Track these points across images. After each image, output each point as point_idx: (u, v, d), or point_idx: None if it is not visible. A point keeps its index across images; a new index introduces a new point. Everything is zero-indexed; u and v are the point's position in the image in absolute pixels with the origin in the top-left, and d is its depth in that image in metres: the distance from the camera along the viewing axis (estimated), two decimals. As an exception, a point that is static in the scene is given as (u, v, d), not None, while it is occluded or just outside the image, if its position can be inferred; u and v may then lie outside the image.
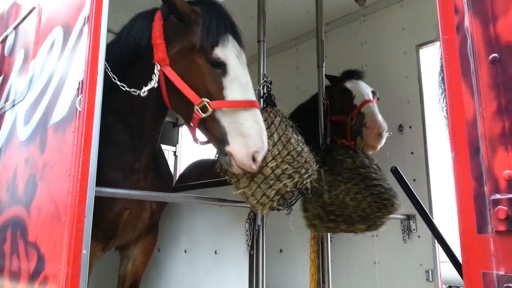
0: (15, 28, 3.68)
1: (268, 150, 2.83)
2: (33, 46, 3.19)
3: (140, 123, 3.15)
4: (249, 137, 2.60)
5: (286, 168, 2.90)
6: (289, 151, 2.97)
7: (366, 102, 4.21)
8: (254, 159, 2.62)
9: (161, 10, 2.96)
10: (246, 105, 2.64)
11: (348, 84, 4.41)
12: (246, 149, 2.60)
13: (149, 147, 3.27)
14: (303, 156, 2.98)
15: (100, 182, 2.32)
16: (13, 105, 3.29)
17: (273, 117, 3.11)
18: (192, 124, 2.75)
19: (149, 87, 2.74)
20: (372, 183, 3.66)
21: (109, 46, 2.97)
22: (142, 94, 2.73)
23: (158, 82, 2.80)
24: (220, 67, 2.71)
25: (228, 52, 2.72)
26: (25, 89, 3.12)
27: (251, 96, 2.72)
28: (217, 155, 2.87)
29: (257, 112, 2.67)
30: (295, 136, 3.10)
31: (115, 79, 2.73)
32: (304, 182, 2.96)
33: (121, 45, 3.03)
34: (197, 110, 2.67)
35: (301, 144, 3.09)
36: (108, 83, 2.70)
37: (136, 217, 3.33)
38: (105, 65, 2.51)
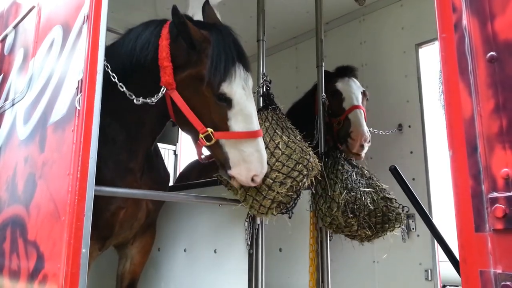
0: (15, 27, 3.68)
1: None
2: (33, 45, 3.19)
3: (139, 127, 3.16)
4: (249, 163, 2.76)
5: (276, 176, 2.92)
6: (277, 158, 2.99)
7: (354, 108, 4.24)
8: (253, 180, 2.80)
9: (169, 28, 2.90)
10: (248, 136, 2.77)
11: (339, 85, 4.41)
12: (247, 173, 2.78)
13: (146, 148, 3.28)
14: (293, 159, 2.98)
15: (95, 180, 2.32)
16: (13, 104, 3.29)
17: (261, 123, 3.13)
18: (196, 147, 2.92)
19: (147, 100, 2.78)
20: (388, 196, 3.76)
21: (112, 50, 2.98)
22: (136, 102, 2.76)
23: (164, 101, 2.88)
24: (226, 101, 2.78)
25: (235, 87, 2.78)
26: (24, 88, 3.13)
27: (255, 126, 2.82)
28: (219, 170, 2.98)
29: (259, 141, 2.80)
30: (284, 138, 3.11)
31: (114, 78, 2.74)
32: (301, 183, 2.96)
33: (124, 57, 2.98)
34: (201, 138, 2.78)
35: (291, 144, 3.08)
36: (109, 83, 2.72)
37: (132, 216, 3.32)
38: (105, 65, 2.51)
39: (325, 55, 4.37)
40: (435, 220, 3.13)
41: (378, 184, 3.85)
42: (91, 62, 2.36)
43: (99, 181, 2.42)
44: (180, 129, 3.18)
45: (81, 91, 2.33)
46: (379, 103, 4.92)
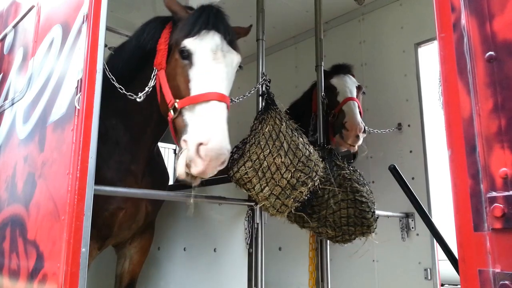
0: (14, 26, 3.68)
1: (282, 161, 2.90)
2: (32, 44, 3.19)
3: (142, 129, 3.17)
4: (198, 129, 2.46)
5: (300, 176, 2.96)
6: (299, 158, 3.01)
7: (347, 100, 4.28)
8: (198, 153, 2.41)
9: (173, 21, 2.97)
10: (204, 98, 2.52)
11: (334, 80, 4.45)
12: (193, 140, 2.44)
13: (148, 151, 3.30)
14: (312, 160, 3.03)
15: (96, 180, 2.33)
16: (12, 104, 3.29)
17: (279, 124, 3.13)
18: (172, 136, 2.72)
19: (144, 92, 2.76)
20: (360, 199, 3.62)
21: (122, 46, 3.00)
22: (138, 99, 2.75)
23: (155, 88, 2.82)
24: (188, 58, 2.66)
25: (199, 42, 2.64)
26: (24, 88, 3.13)
27: (215, 87, 2.56)
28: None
29: (214, 104, 2.51)
30: (301, 140, 3.13)
31: (113, 80, 2.75)
32: (316, 183, 3.02)
33: (132, 45, 3.09)
34: (170, 112, 2.65)
35: (307, 146, 3.12)
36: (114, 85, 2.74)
37: (131, 217, 3.33)
38: (104, 66, 2.51)
39: (325, 54, 4.38)
40: (435, 219, 3.13)
41: (356, 185, 3.68)
42: (90, 61, 2.36)
43: (100, 181, 2.43)
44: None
45: (80, 91, 2.33)
46: (379, 102, 4.93)
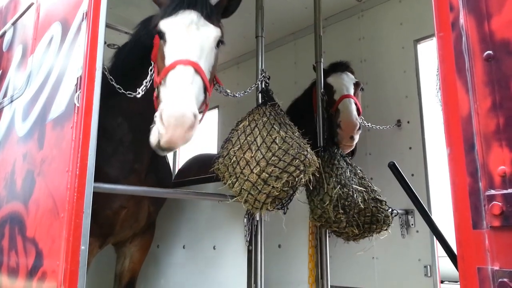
0: (14, 23, 3.68)
1: (251, 156, 2.89)
2: (32, 41, 3.19)
3: (146, 129, 3.17)
4: (165, 100, 2.39)
5: (272, 170, 2.91)
6: (274, 152, 2.97)
7: (343, 97, 4.23)
8: (162, 121, 2.30)
9: None
10: (171, 67, 2.46)
11: (331, 79, 4.41)
12: (160, 114, 2.32)
13: (151, 151, 3.29)
14: (290, 154, 2.96)
15: (99, 178, 2.33)
16: (11, 101, 3.29)
17: (257, 119, 3.14)
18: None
19: (143, 86, 2.74)
20: (380, 198, 3.74)
21: (124, 46, 3.00)
22: (137, 96, 2.74)
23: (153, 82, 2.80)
24: (163, 38, 2.65)
25: (172, 21, 2.63)
26: (23, 85, 3.13)
27: (182, 55, 2.49)
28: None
29: (179, 69, 2.44)
30: (282, 133, 3.10)
31: (112, 81, 2.75)
32: (297, 178, 2.95)
33: (131, 44, 3.12)
34: (155, 95, 2.62)
35: (289, 140, 3.07)
36: (121, 84, 2.75)
37: (133, 216, 3.35)
38: (103, 67, 2.49)
39: (324, 50, 4.38)
40: (434, 216, 3.14)
41: (370, 185, 3.83)
42: (90, 59, 2.36)
43: (104, 179, 2.42)
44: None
45: (80, 88, 2.33)
46: (378, 99, 4.93)
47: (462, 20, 1.41)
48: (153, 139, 2.40)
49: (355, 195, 3.61)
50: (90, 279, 3.22)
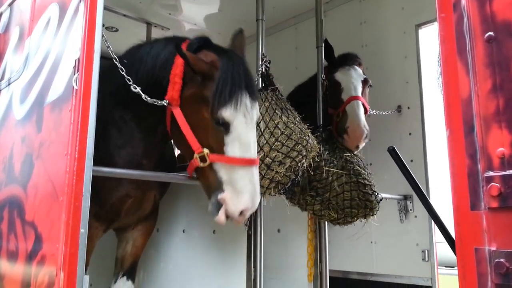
0: (10, 5, 3.64)
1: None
2: (29, 23, 3.17)
3: (155, 130, 3.20)
4: (242, 195, 2.62)
5: (276, 155, 2.91)
6: (277, 138, 2.98)
7: (351, 99, 4.02)
8: (241, 214, 2.66)
9: (187, 47, 2.88)
10: (243, 163, 2.66)
11: (339, 75, 4.20)
12: (237, 205, 2.62)
13: (160, 151, 3.38)
14: (293, 139, 2.96)
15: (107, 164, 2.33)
16: (9, 84, 3.27)
17: (260, 104, 3.11)
18: (189, 166, 2.81)
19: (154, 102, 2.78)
20: (363, 182, 3.65)
21: (132, 64, 2.99)
22: (146, 99, 2.76)
23: (165, 116, 2.88)
24: (224, 126, 2.69)
25: (234, 113, 2.68)
26: (20, 67, 3.11)
27: (251, 154, 2.70)
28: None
29: (254, 171, 2.68)
30: (284, 118, 3.09)
31: (130, 81, 2.75)
32: (300, 163, 2.96)
33: (144, 73, 2.98)
34: (196, 158, 2.70)
35: (291, 125, 3.07)
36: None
37: (138, 205, 3.41)
38: (127, 78, 2.66)
39: (325, 35, 4.34)
40: (433, 201, 3.14)
41: (358, 168, 3.72)
42: (88, 41, 2.34)
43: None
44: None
45: (78, 71, 2.32)
46: (379, 84, 4.89)
47: (464, 1, 1.39)
48: (222, 218, 2.68)
49: (329, 178, 3.58)
50: (95, 263, 3.25)
